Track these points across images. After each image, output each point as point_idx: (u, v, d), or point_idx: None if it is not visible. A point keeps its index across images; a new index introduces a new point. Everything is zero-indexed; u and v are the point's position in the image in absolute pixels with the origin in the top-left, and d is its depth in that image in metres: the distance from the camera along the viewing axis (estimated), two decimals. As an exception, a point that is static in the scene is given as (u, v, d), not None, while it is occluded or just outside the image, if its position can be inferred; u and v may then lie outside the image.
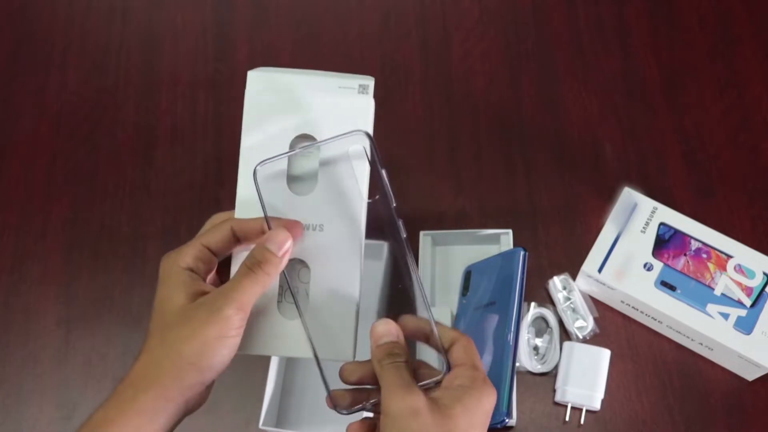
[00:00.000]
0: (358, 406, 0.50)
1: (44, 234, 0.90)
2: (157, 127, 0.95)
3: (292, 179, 0.50)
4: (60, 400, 0.82)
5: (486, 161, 0.90)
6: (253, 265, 0.48)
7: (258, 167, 0.49)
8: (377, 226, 0.50)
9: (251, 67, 1.02)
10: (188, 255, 0.49)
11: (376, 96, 0.95)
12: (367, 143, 0.49)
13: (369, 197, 0.50)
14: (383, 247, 0.79)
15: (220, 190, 0.91)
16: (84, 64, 1.00)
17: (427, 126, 0.93)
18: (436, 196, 0.89)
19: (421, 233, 0.84)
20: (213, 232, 0.50)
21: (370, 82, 0.51)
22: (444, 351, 0.48)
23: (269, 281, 0.48)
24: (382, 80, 0.96)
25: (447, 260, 0.85)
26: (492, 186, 0.89)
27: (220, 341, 0.46)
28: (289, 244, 0.48)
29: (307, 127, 0.51)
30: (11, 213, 0.92)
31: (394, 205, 0.49)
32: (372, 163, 0.49)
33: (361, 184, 0.50)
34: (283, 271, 0.49)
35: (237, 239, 0.51)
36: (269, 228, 0.49)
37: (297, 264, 0.50)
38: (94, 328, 0.85)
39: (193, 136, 0.95)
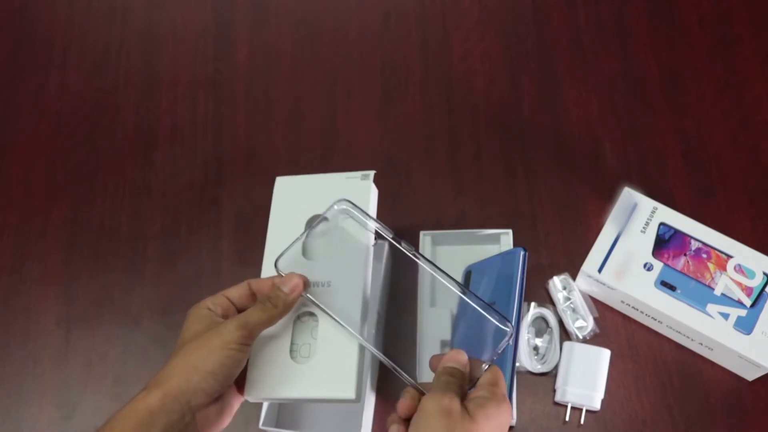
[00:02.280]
0: None
1: (44, 234, 0.90)
2: (157, 127, 0.95)
3: (305, 249, 0.60)
4: (60, 400, 0.82)
5: (486, 161, 0.90)
6: (265, 299, 0.56)
7: (278, 260, 0.58)
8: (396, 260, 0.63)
9: (251, 67, 1.03)
10: (209, 300, 0.58)
11: (376, 96, 0.96)
12: (349, 205, 0.59)
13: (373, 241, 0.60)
14: (383, 247, 0.79)
15: (220, 190, 0.91)
16: (84, 64, 1.00)
17: (427, 126, 0.93)
18: (436, 196, 0.89)
19: (421, 233, 0.84)
20: (234, 287, 0.59)
21: (371, 173, 0.64)
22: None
23: (276, 314, 0.56)
24: (382, 80, 0.96)
25: (447, 260, 0.85)
26: (492, 186, 0.89)
27: (223, 350, 0.53)
28: (296, 283, 0.57)
29: (318, 209, 0.61)
30: (11, 213, 0.92)
31: (392, 235, 0.58)
32: (364, 216, 0.59)
33: (360, 240, 0.59)
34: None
35: (253, 294, 0.59)
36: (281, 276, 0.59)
37: (309, 320, 0.58)
38: (94, 328, 0.85)
39: (193, 136, 0.95)
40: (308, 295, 0.57)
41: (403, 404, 0.52)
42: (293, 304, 0.57)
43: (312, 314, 0.59)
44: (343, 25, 1.00)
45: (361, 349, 0.57)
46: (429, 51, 0.98)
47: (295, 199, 0.64)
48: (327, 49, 0.99)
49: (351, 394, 0.56)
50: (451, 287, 0.57)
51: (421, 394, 0.52)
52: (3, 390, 0.83)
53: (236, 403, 0.58)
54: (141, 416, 0.50)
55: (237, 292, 0.59)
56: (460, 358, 0.54)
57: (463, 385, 0.52)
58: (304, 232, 0.59)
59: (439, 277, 0.57)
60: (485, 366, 0.53)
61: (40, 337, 0.85)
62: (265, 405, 0.74)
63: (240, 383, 0.58)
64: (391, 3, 1.01)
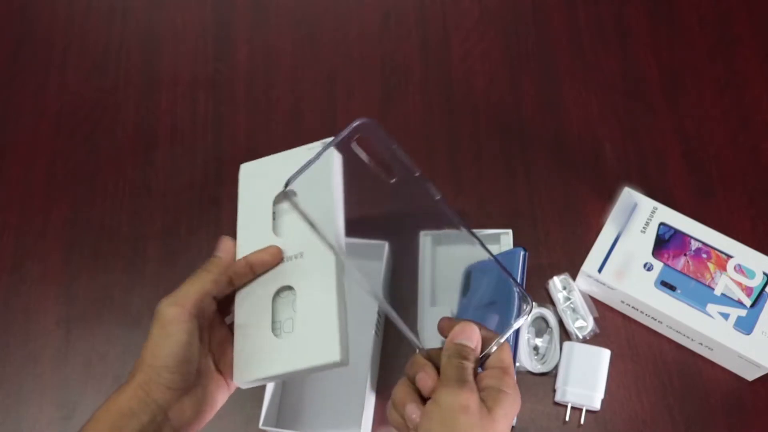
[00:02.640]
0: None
1: (44, 234, 0.90)
2: (157, 127, 0.95)
3: (278, 225, 0.58)
4: (60, 400, 0.82)
5: (486, 161, 0.90)
6: (198, 269, 0.55)
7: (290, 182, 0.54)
8: (409, 204, 0.55)
9: (251, 67, 1.03)
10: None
11: (376, 96, 0.96)
12: (337, 157, 0.54)
13: (390, 178, 0.54)
14: (384, 247, 0.79)
15: (220, 190, 0.91)
16: (84, 64, 1.00)
17: (427, 126, 0.93)
18: (436, 196, 0.89)
19: (421, 233, 0.84)
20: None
21: (329, 139, 0.58)
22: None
23: (210, 278, 0.54)
24: (382, 80, 0.96)
25: (447, 260, 0.85)
26: (492, 186, 0.89)
27: (164, 339, 0.51)
28: (228, 245, 0.56)
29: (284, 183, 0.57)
30: (11, 213, 0.92)
31: (418, 173, 0.53)
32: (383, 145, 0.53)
33: (336, 198, 0.56)
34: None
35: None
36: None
37: (288, 294, 0.56)
38: (94, 328, 0.85)
39: (193, 136, 0.95)
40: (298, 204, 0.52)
41: (410, 367, 0.50)
42: (228, 266, 0.55)
43: (290, 288, 0.57)
44: (343, 25, 1.00)
45: (342, 311, 0.54)
46: (429, 51, 0.98)
47: (261, 181, 0.62)
48: (327, 49, 0.99)
49: (336, 357, 0.53)
50: (473, 243, 0.53)
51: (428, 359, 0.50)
52: (3, 390, 0.83)
53: (218, 394, 0.56)
54: (113, 419, 0.50)
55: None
56: (473, 335, 0.50)
57: (475, 368, 0.50)
58: (319, 152, 0.53)
59: (463, 229, 0.53)
60: (495, 344, 0.50)
61: (40, 337, 0.85)
62: (265, 405, 0.74)
63: (226, 373, 0.56)
64: (391, 3, 1.01)
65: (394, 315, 0.52)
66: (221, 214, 0.90)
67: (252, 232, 0.59)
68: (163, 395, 0.51)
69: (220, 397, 0.56)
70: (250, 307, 0.57)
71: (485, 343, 0.51)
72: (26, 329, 0.86)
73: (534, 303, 0.81)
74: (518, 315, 0.51)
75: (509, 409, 0.48)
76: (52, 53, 1.01)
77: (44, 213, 0.91)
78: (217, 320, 0.57)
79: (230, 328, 0.59)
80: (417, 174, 0.53)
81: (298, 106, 0.96)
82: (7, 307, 0.87)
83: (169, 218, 0.90)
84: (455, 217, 0.53)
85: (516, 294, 0.52)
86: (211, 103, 0.96)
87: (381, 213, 0.58)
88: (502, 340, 0.50)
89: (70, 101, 0.98)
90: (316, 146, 0.60)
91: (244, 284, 0.58)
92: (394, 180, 0.54)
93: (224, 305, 0.58)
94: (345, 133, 0.53)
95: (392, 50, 0.98)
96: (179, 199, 0.91)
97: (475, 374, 0.50)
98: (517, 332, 0.75)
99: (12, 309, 0.87)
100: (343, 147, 0.54)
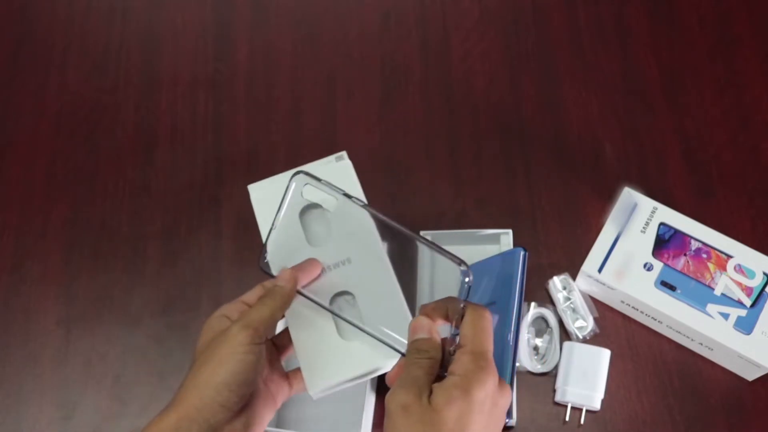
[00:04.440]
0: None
1: (44, 234, 0.90)
2: (157, 127, 0.95)
3: (311, 237, 0.59)
4: (60, 400, 0.82)
5: (486, 161, 0.90)
6: (264, 295, 0.54)
7: (264, 261, 0.57)
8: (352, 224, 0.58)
9: (251, 67, 1.03)
10: (225, 308, 0.56)
11: (376, 96, 0.96)
12: (306, 177, 0.56)
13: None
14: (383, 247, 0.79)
15: (220, 190, 0.91)
16: (84, 64, 1.00)
17: (427, 126, 0.93)
18: (436, 196, 0.89)
19: (421, 233, 0.84)
20: (249, 291, 0.58)
21: (343, 153, 0.62)
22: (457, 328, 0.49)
23: (276, 306, 0.54)
24: (382, 80, 0.96)
25: (447, 260, 0.85)
26: (492, 186, 0.89)
27: (232, 356, 0.50)
28: (290, 275, 0.55)
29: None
30: (11, 213, 0.92)
31: (365, 202, 0.56)
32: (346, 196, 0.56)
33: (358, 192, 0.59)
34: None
35: None
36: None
37: (342, 299, 0.57)
38: (94, 328, 0.85)
39: (193, 136, 0.95)
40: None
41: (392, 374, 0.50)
42: (291, 294, 0.55)
43: (346, 294, 0.57)
44: (343, 25, 1.00)
45: (406, 305, 0.55)
46: (429, 51, 0.98)
47: (276, 199, 0.62)
48: (327, 49, 0.99)
49: None
50: (404, 232, 0.54)
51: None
52: (3, 390, 0.83)
53: (266, 413, 0.55)
54: None
55: (253, 295, 0.57)
56: (421, 324, 0.49)
57: (435, 357, 0.48)
58: (273, 223, 0.58)
59: (393, 224, 0.54)
60: (461, 305, 0.48)
61: (40, 337, 0.85)
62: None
63: (275, 390, 0.56)
64: (391, 3, 1.01)
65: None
66: (221, 214, 0.90)
67: (284, 246, 0.59)
68: (216, 415, 0.49)
69: (267, 415, 0.56)
70: (307, 317, 0.57)
71: (453, 314, 0.49)
72: (26, 329, 0.86)
73: (534, 303, 0.81)
74: (460, 283, 0.50)
75: (458, 394, 0.44)
76: (52, 53, 1.01)
77: (44, 213, 0.91)
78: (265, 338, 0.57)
79: (275, 344, 0.59)
80: (343, 194, 0.55)
81: (298, 106, 0.96)
82: (7, 307, 0.87)
83: (169, 218, 0.90)
84: (381, 217, 0.55)
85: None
86: (211, 103, 0.96)
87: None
88: (459, 310, 0.48)
89: (70, 101, 0.98)
90: (329, 160, 0.62)
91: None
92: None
93: None
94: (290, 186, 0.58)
95: (392, 50, 0.98)
96: (179, 199, 0.91)
97: (449, 359, 0.48)
98: (517, 332, 0.75)
99: (12, 309, 0.87)
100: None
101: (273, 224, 0.58)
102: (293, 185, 0.57)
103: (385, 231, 0.76)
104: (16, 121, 0.97)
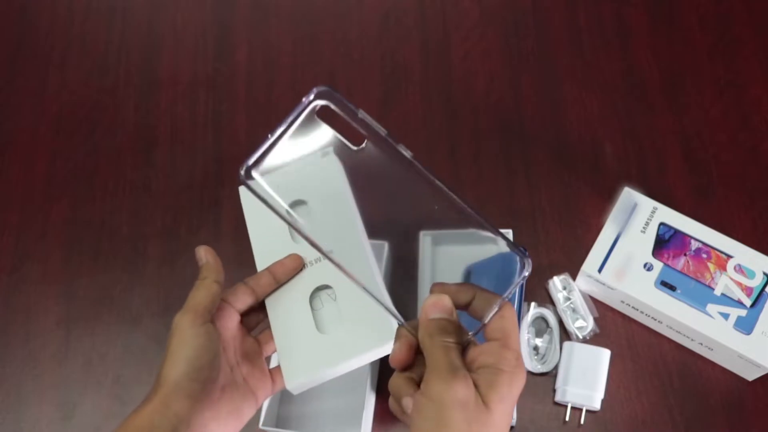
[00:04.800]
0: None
1: (44, 234, 0.90)
2: (157, 127, 0.95)
3: (294, 233, 0.58)
4: (60, 400, 0.82)
5: (486, 161, 0.90)
6: (197, 281, 0.55)
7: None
8: (382, 165, 0.52)
9: (251, 67, 1.03)
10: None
11: (376, 96, 0.96)
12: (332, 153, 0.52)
13: (356, 145, 0.51)
14: (383, 247, 0.79)
15: (220, 189, 0.91)
16: (84, 64, 1.00)
17: (427, 126, 0.93)
18: (436, 196, 0.89)
19: (421, 233, 0.84)
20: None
21: (329, 148, 0.57)
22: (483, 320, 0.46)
23: (208, 282, 0.55)
24: (382, 80, 0.96)
25: (447, 260, 0.85)
26: (492, 186, 0.89)
27: (180, 346, 0.52)
28: (204, 248, 0.57)
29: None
30: (11, 213, 0.92)
31: (386, 131, 0.50)
32: (347, 111, 0.50)
33: (344, 190, 0.56)
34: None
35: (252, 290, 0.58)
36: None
37: (323, 292, 0.57)
38: (94, 328, 0.85)
39: (193, 136, 0.95)
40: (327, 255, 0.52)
41: (399, 352, 0.46)
42: (216, 263, 0.56)
43: (325, 288, 0.58)
44: (343, 25, 1.00)
45: (385, 296, 0.54)
46: (429, 51, 0.98)
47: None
48: (327, 49, 0.99)
49: (393, 338, 0.52)
50: (452, 199, 0.49)
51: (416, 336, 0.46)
52: (3, 390, 0.83)
53: (245, 407, 0.55)
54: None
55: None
56: (444, 305, 0.46)
57: (459, 341, 0.45)
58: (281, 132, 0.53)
59: (441, 185, 0.49)
60: (495, 306, 0.45)
61: (40, 337, 0.85)
62: (265, 405, 0.74)
63: (256, 386, 0.56)
64: (391, 3, 1.01)
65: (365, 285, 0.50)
66: (221, 214, 0.90)
67: (269, 244, 0.60)
68: (183, 406, 0.50)
69: (246, 411, 0.55)
70: (287, 312, 0.58)
71: (483, 307, 0.46)
72: (26, 329, 0.86)
73: (534, 303, 0.81)
74: (520, 272, 0.47)
75: (506, 392, 0.43)
76: (52, 53, 1.01)
77: (44, 213, 0.91)
78: (242, 333, 0.58)
79: (257, 340, 0.59)
80: (385, 134, 0.50)
81: (298, 106, 0.96)
82: (8, 307, 0.87)
83: (169, 218, 0.90)
84: (431, 175, 0.49)
85: (515, 253, 0.47)
86: (211, 103, 0.96)
87: (354, 182, 0.56)
88: (496, 307, 0.45)
89: (70, 101, 0.98)
90: (315, 155, 0.58)
91: (270, 294, 0.58)
92: (362, 146, 0.51)
93: (250, 320, 0.59)
94: (306, 105, 0.51)
95: (392, 50, 0.98)
96: (179, 199, 0.91)
97: (464, 348, 0.46)
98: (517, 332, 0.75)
99: (12, 309, 0.87)
100: (308, 120, 0.53)
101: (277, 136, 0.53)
102: (312, 104, 0.50)
103: (386, 231, 0.75)
104: (16, 121, 0.97)
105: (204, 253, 0.57)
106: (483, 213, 0.48)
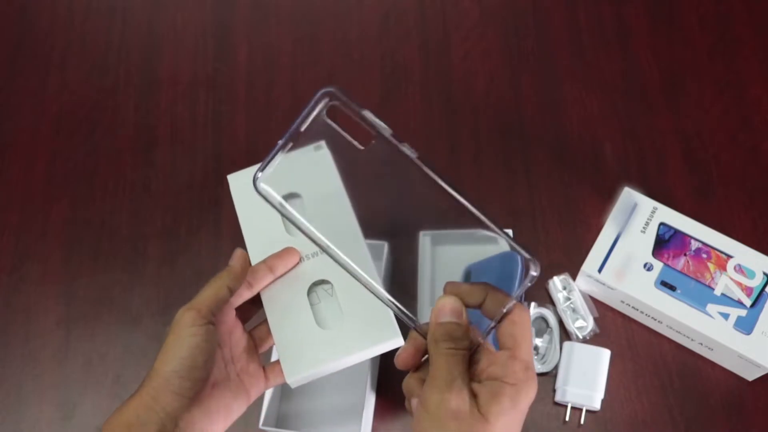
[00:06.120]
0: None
1: (44, 234, 0.90)
2: (157, 127, 0.95)
3: (289, 226, 0.58)
4: (60, 400, 0.82)
5: (486, 161, 0.90)
6: (214, 277, 0.55)
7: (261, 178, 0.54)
8: (388, 165, 0.51)
9: (251, 67, 1.03)
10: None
11: (376, 96, 0.96)
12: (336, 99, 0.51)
13: (363, 145, 0.51)
14: (383, 247, 0.79)
15: (221, 189, 0.91)
16: (84, 64, 1.00)
17: (427, 126, 0.93)
18: (436, 196, 0.89)
19: (421, 233, 0.84)
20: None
21: (321, 142, 0.59)
22: (497, 322, 0.45)
23: (222, 284, 0.54)
24: (382, 80, 0.96)
25: (447, 260, 0.85)
26: (492, 186, 0.89)
27: (177, 342, 0.51)
28: (240, 253, 0.56)
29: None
30: (11, 213, 0.92)
31: (391, 132, 0.49)
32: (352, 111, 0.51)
33: (337, 184, 0.56)
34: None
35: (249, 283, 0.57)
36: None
37: (322, 287, 0.57)
38: (94, 328, 0.85)
39: (193, 136, 0.95)
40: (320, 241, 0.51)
41: (406, 352, 0.46)
42: (241, 274, 0.55)
43: (324, 282, 0.58)
44: (343, 25, 1.00)
45: (387, 292, 0.53)
46: (429, 51, 0.98)
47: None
48: (327, 49, 0.99)
49: (396, 336, 0.54)
50: (459, 201, 0.48)
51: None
52: (3, 390, 0.83)
53: (235, 404, 0.55)
54: (120, 431, 0.49)
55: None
56: (453, 307, 0.45)
57: (468, 348, 0.44)
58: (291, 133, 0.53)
59: (447, 188, 0.47)
60: (508, 305, 0.44)
61: (40, 337, 0.85)
62: (265, 405, 0.74)
63: (249, 382, 0.56)
64: (391, 3, 1.01)
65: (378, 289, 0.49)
66: (221, 214, 0.90)
67: (263, 237, 0.59)
68: (172, 403, 0.49)
69: (237, 407, 0.55)
70: (285, 307, 0.57)
71: (495, 307, 0.45)
72: (26, 329, 0.86)
73: (534, 303, 0.81)
74: (526, 273, 0.46)
75: (509, 404, 0.43)
76: (52, 53, 1.01)
77: (44, 213, 0.91)
78: (237, 328, 0.57)
79: (251, 335, 0.59)
80: (389, 134, 0.49)
81: (298, 106, 0.95)
82: (7, 307, 0.87)
83: (169, 218, 0.90)
84: (437, 176, 0.47)
85: (519, 257, 0.46)
86: (211, 103, 0.96)
87: (357, 182, 0.57)
88: (504, 309, 0.44)
89: (70, 101, 0.98)
90: (307, 150, 0.58)
91: (266, 288, 0.58)
92: (369, 146, 0.51)
93: (244, 314, 0.58)
94: (315, 105, 0.52)
95: (392, 50, 0.98)
96: (179, 199, 0.91)
97: (473, 353, 0.45)
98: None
99: (12, 309, 0.87)
100: (316, 122, 0.53)
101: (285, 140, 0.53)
102: (320, 105, 0.51)
103: (386, 230, 0.76)
104: (16, 121, 0.97)
105: (237, 258, 0.56)
106: (490, 214, 0.48)
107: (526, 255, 0.46)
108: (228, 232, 0.89)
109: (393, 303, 0.49)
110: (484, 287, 0.46)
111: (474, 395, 0.43)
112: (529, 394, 0.43)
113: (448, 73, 0.96)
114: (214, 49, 1.00)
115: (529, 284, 0.44)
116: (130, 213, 0.91)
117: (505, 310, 0.45)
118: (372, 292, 0.50)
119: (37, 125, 0.97)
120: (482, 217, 0.48)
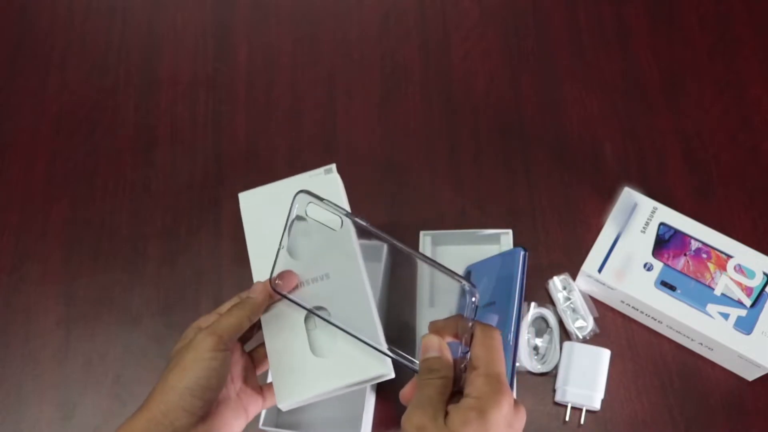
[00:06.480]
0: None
1: (44, 234, 0.90)
2: (157, 127, 0.95)
3: (292, 250, 0.59)
4: (60, 400, 0.82)
5: (486, 161, 0.90)
6: (234, 305, 0.57)
7: (273, 279, 0.58)
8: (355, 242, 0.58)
9: (251, 67, 1.03)
10: (202, 318, 0.58)
11: (376, 96, 0.96)
12: (308, 197, 0.56)
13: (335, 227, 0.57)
14: (383, 247, 0.79)
15: (221, 189, 0.91)
16: (84, 64, 1.00)
17: (427, 126, 0.93)
18: (436, 196, 0.89)
19: (421, 233, 0.84)
20: (226, 303, 0.60)
21: (332, 165, 0.63)
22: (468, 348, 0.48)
23: (244, 315, 0.56)
24: (382, 80, 0.96)
25: (447, 260, 0.85)
26: (492, 186, 0.89)
27: (195, 363, 0.52)
28: (262, 287, 0.57)
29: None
30: (11, 213, 0.92)
31: (365, 223, 0.55)
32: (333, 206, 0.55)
33: (346, 229, 0.58)
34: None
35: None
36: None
37: (323, 312, 0.57)
38: (94, 328, 0.85)
39: (193, 136, 0.95)
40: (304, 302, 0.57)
41: (405, 391, 0.50)
42: (261, 306, 0.57)
43: (321, 309, 0.58)
44: (343, 25, 1.00)
45: (381, 325, 0.56)
46: (429, 51, 0.98)
47: (265, 209, 0.63)
48: (327, 49, 0.99)
49: (387, 369, 0.55)
50: (412, 254, 0.53)
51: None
52: (3, 390, 0.83)
53: (235, 423, 0.57)
54: None
55: (227, 307, 0.58)
56: (432, 343, 0.49)
57: (447, 375, 0.48)
58: (281, 241, 0.58)
59: (397, 243, 0.53)
60: (470, 328, 0.48)
61: (40, 337, 0.85)
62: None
63: (247, 401, 0.58)
64: (391, 3, 1.01)
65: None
66: (221, 214, 0.90)
67: (267, 257, 0.59)
68: (181, 419, 0.51)
69: (237, 426, 0.57)
70: (282, 331, 0.58)
71: (463, 333, 0.48)
72: (26, 329, 0.86)
73: (534, 303, 0.81)
74: (469, 300, 0.49)
75: (474, 417, 0.44)
76: (52, 53, 1.01)
77: (44, 213, 0.91)
78: (238, 349, 0.59)
79: (250, 356, 0.61)
80: (344, 213, 0.55)
81: (298, 106, 0.96)
82: (7, 307, 0.87)
83: (169, 218, 0.90)
84: (381, 235, 0.53)
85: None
86: (211, 103, 0.97)
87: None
88: (467, 334, 0.47)
89: (70, 101, 0.98)
90: (318, 173, 0.62)
91: (267, 310, 0.59)
92: (341, 226, 0.58)
93: (244, 334, 0.60)
94: (292, 212, 0.57)
95: (392, 50, 0.98)
96: (179, 199, 0.91)
97: (460, 377, 0.48)
98: (517, 332, 0.75)
99: (12, 309, 0.87)
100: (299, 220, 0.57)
101: (281, 244, 0.58)
102: (296, 205, 0.57)
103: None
104: (16, 121, 0.97)
105: (259, 292, 0.57)
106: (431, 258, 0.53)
107: (468, 283, 0.49)
108: (228, 232, 0.89)
109: (395, 352, 0.53)
110: (455, 319, 0.49)
111: (449, 416, 0.45)
112: (496, 403, 0.45)
113: (448, 73, 0.96)
114: (214, 49, 1.00)
115: (474, 308, 0.48)
116: (130, 213, 0.91)
117: (468, 333, 0.48)
118: (395, 356, 0.53)
119: (37, 125, 0.97)
120: (435, 262, 0.52)
